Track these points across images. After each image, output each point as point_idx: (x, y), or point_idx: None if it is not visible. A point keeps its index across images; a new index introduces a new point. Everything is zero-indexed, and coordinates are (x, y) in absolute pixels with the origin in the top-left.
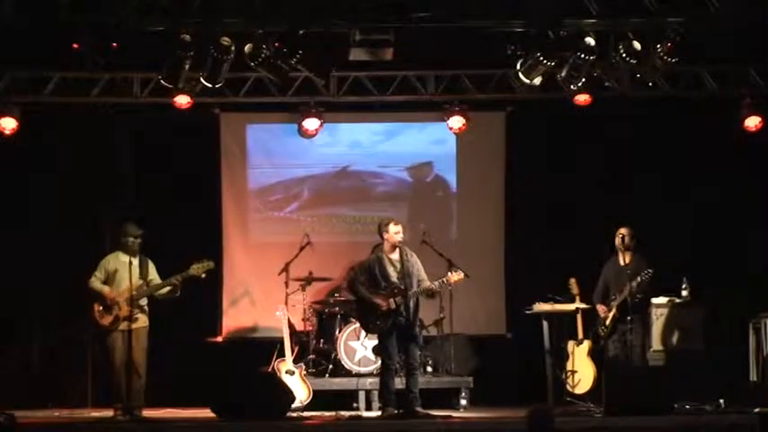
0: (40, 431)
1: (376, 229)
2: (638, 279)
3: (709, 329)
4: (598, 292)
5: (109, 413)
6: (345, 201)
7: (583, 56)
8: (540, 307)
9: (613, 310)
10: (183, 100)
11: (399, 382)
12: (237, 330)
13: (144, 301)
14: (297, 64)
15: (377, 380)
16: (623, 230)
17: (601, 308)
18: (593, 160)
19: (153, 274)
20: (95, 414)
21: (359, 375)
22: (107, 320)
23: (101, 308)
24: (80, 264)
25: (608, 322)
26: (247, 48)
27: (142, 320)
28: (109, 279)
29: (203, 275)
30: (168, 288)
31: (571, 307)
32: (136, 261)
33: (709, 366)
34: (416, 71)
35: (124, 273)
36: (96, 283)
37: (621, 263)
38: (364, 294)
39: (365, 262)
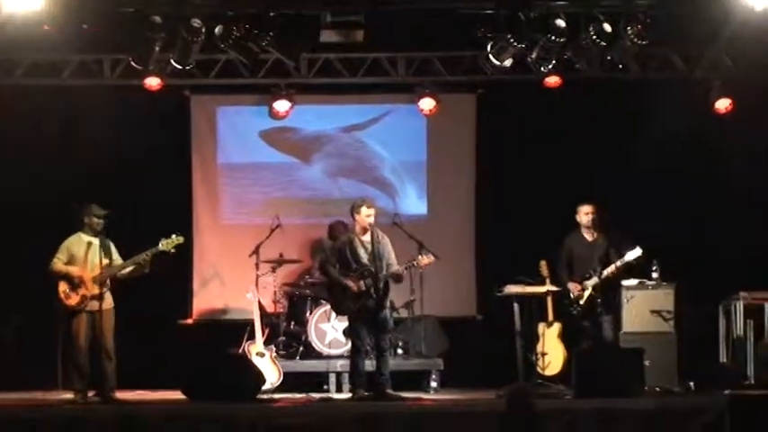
0: (10, 414)
1: (349, 210)
2: (626, 261)
3: (679, 312)
4: (563, 267)
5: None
6: (316, 182)
7: (553, 38)
8: (511, 289)
9: (589, 290)
10: (153, 82)
11: (370, 365)
12: (208, 312)
13: (107, 282)
14: (267, 46)
15: (347, 362)
16: (590, 208)
17: (574, 285)
18: (564, 142)
19: (115, 255)
20: (65, 396)
21: (329, 357)
22: (74, 300)
23: (66, 288)
24: (50, 243)
25: (582, 302)
26: (218, 29)
27: (108, 301)
28: (72, 260)
29: (173, 250)
30: (134, 266)
31: (542, 289)
32: (97, 241)
33: (679, 349)
34: (387, 53)
35: (88, 253)
36: (59, 264)
37: (589, 239)
38: (335, 276)
39: (336, 243)
